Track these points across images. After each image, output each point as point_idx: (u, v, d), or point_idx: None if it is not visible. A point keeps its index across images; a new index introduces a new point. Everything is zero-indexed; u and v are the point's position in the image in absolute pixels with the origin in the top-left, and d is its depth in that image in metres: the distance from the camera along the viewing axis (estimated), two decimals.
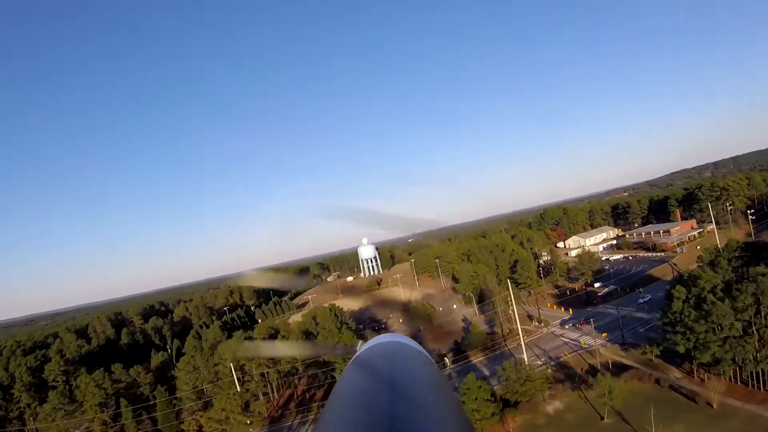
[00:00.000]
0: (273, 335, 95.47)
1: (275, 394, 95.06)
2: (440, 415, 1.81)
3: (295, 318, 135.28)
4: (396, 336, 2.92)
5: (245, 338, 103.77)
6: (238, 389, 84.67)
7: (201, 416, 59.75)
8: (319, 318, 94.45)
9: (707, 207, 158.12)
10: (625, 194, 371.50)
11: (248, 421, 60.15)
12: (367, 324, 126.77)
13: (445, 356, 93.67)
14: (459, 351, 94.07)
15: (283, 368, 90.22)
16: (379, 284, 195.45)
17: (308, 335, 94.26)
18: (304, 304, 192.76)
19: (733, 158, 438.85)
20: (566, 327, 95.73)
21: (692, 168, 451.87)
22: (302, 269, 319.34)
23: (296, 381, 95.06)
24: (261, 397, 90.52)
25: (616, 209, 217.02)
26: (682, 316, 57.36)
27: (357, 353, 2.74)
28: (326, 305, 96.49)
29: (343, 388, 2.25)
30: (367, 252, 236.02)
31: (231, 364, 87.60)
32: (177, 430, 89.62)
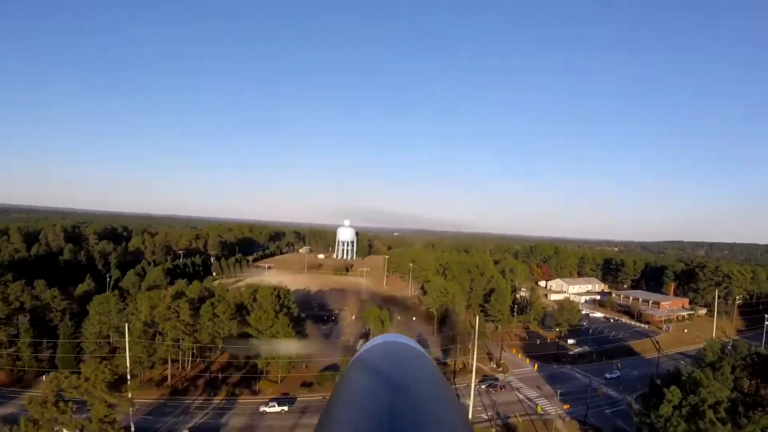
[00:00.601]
0: (203, 298, 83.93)
1: (189, 363, 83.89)
2: (441, 415, 1.84)
3: (250, 281, 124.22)
4: (396, 336, 2.87)
5: (178, 292, 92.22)
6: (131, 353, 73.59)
7: (65, 377, 48.28)
8: (259, 295, 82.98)
9: (704, 290, 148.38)
10: (616, 249, 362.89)
11: (113, 402, 48.71)
12: (313, 311, 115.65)
13: None
14: None
15: (201, 339, 78.92)
16: (347, 270, 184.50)
17: (240, 310, 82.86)
18: (269, 267, 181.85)
19: (729, 244, 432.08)
20: (526, 382, 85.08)
21: (687, 242, 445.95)
22: (278, 233, 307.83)
23: (215, 355, 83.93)
24: (169, 365, 79.39)
25: (609, 263, 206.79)
26: (668, 425, 46.48)
27: (357, 353, 2.70)
28: (272, 285, 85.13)
29: (344, 387, 2.25)
30: (345, 234, 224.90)
31: (143, 319, 76.22)
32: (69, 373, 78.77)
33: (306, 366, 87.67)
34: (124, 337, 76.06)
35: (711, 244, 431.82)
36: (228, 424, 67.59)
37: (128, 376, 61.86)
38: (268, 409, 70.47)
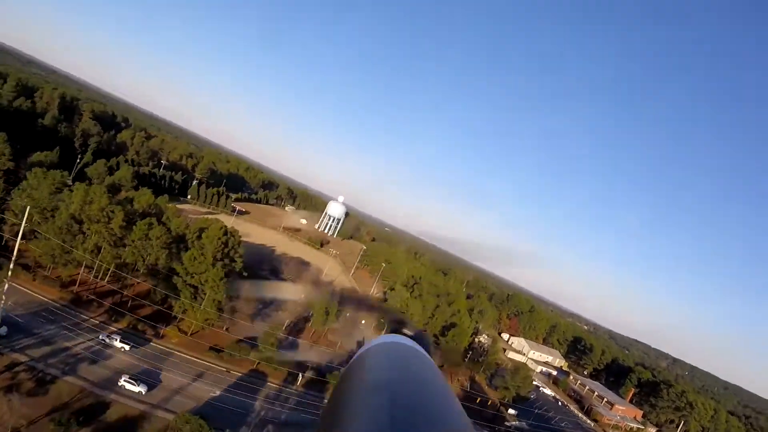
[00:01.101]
0: (146, 214, 74.28)
1: (106, 278, 74.58)
2: (441, 416, 1.83)
3: (214, 217, 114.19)
4: (397, 337, 2.80)
5: (125, 198, 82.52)
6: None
7: None
8: (205, 234, 73.32)
9: (662, 409, 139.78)
10: (586, 327, 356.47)
11: None
12: (261, 274, 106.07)
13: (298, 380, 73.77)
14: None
15: (124, 257, 69.46)
16: (321, 245, 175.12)
17: (178, 242, 73.40)
18: (243, 212, 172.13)
19: (691, 366, 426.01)
20: None
21: (653, 347, 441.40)
22: (272, 183, 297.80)
23: (134, 280, 74.47)
24: (80, 270, 69.91)
25: (577, 342, 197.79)
26: None
27: (358, 353, 2.62)
28: (225, 227, 75.27)
29: (344, 388, 2.22)
30: (335, 210, 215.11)
31: (71, 211, 66.62)
32: None
33: (227, 329, 78.50)
34: (46, 222, 66.94)
35: (674, 360, 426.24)
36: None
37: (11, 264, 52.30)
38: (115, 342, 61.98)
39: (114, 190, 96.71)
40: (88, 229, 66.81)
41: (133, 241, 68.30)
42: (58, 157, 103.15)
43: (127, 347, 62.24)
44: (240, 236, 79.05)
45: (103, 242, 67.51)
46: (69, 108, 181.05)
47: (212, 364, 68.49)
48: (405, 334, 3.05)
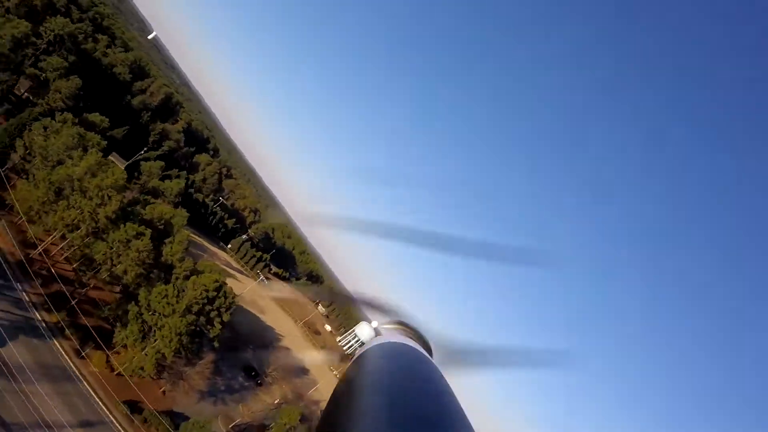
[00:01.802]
0: (148, 223, 61.45)
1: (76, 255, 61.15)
2: (442, 417, 1.82)
3: (242, 279, 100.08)
4: (397, 337, 2.85)
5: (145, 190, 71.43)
6: None
7: None
8: (194, 278, 58.34)
9: None
10: None
11: None
12: (239, 352, 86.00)
13: None
14: None
15: (93, 249, 55.77)
16: (331, 365, 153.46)
17: (161, 269, 58.93)
18: (268, 279, 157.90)
19: None
20: None
21: None
22: (319, 277, 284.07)
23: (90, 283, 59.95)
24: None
25: None
26: None
27: (358, 354, 2.59)
28: (243, 290, 60.01)
29: (344, 388, 2.16)
30: (363, 332, 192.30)
31: (73, 173, 55.45)
32: None
33: (163, 392, 60.23)
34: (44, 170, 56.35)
35: None
36: None
37: None
38: None
39: (149, 192, 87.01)
40: (75, 200, 54.78)
41: (112, 240, 54.88)
42: (123, 133, 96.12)
43: None
44: (234, 300, 63.15)
45: (82, 223, 54.69)
46: (168, 108, 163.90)
47: (114, 418, 50.36)
48: (405, 325, 3.00)
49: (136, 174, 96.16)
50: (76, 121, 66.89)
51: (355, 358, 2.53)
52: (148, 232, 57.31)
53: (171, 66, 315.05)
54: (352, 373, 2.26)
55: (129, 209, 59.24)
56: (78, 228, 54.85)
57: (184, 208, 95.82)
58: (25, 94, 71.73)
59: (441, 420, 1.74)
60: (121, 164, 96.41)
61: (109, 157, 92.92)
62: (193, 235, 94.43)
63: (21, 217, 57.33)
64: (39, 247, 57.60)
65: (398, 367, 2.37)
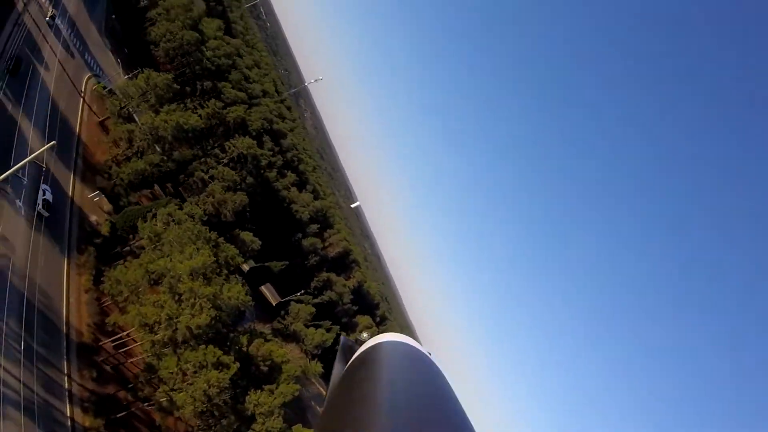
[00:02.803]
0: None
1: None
2: (442, 416, 1.82)
3: None
4: (397, 336, 2.72)
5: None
6: None
7: None
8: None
9: None
10: None
11: None
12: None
13: None
14: None
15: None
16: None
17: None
18: None
19: None
20: None
21: None
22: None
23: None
24: None
25: None
26: None
27: (356, 353, 2.62)
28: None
29: (344, 388, 2.21)
30: None
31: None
32: None
33: None
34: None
35: None
36: None
37: None
38: None
39: (288, 335, 73.49)
40: (164, 299, 42.01)
41: (185, 360, 39.47)
42: (281, 267, 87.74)
43: None
44: None
45: (160, 327, 40.75)
46: (343, 263, 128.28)
47: None
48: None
49: (282, 313, 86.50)
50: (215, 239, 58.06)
51: (354, 357, 2.50)
52: (235, 366, 40.67)
53: (366, 235, 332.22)
54: (351, 373, 2.26)
55: (225, 332, 44.21)
56: (154, 331, 41.13)
57: (321, 363, 79.85)
58: (180, 187, 68.58)
59: (442, 421, 1.71)
60: (273, 298, 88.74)
61: (262, 287, 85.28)
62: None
63: (108, 299, 47.71)
64: (110, 339, 46.19)
65: (398, 366, 2.26)
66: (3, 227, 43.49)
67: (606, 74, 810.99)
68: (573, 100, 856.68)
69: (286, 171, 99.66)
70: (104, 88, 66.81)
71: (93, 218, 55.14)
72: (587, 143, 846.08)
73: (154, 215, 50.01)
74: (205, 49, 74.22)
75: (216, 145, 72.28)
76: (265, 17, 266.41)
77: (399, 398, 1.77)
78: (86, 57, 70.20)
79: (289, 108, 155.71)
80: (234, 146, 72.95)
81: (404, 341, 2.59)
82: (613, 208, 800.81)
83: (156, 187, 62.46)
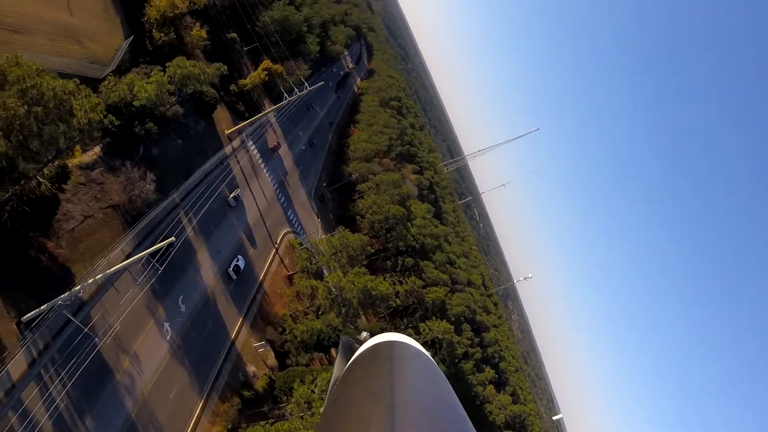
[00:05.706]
0: None
1: None
2: (442, 417, 1.81)
3: None
4: (397, 336, 2.72)
5: None
6: None
7: None
8: None
9: None
10: None
11: None
12: None
13: None
14: None
15: None
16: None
17: None
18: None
19: None
20: None
21: None
22: None
23: None
24: None
25: None
26: None
27: (356, 353, 2.62)
28: None
29: (343, 388, 2.22)
30: None
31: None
32: None
33: None
34: None
35: None
36: None
37: None
38: None
39: None
40: None
41: None
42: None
43: None
44: None
45: None
46: None
47: None
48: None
49: None
50: None
51: (354, 356, 2.50)
52: None
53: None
54: (351, 373, 2.26)
55: None
56: None
57: None
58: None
59: (442, 417, 1.73)
60: None
61: None
62: None
63: None
64: None
65: (398, 366, 2.24)
66: (139, 345, 39.19)
67: None
68: None
69: (484, 366, 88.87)
70: (300, 244, 67.93)
71: (251, 368, 51.31)
72: None
73: (314, 379, 44.31)
74: (410, 225, 74.72)
75: (410, 324, 67.44)
76: (478, 218, 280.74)
77: (400, 396, 1.74)
78: (288, 213, 73.64)
79: (495, 304, 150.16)
80: (429, 328, 66.87)
81: (404, 341, 2.52)
82: None
83: (333, 352, 58.12)
